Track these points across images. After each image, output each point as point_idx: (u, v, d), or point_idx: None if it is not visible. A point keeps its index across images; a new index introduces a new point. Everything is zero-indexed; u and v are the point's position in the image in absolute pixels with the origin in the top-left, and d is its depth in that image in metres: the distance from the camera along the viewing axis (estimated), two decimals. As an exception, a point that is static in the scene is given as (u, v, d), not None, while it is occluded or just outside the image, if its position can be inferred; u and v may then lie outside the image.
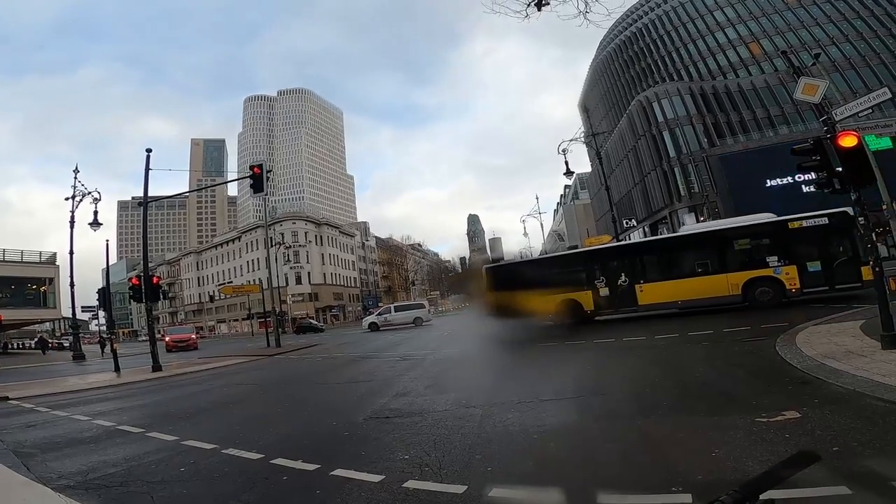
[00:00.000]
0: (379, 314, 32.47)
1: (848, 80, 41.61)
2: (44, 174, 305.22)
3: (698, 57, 53.32)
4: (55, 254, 37.59)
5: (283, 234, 62.88)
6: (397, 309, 32.25)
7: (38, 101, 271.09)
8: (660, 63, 57.05)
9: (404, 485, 3.29)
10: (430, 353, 12.38)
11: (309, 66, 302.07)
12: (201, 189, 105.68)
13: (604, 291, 14.89)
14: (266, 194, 17.18)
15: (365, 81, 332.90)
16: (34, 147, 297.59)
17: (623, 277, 14.76)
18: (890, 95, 6.86)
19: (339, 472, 3.66)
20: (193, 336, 29.36)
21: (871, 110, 6.88)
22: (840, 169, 5.98)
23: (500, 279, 16.45)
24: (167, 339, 29.30)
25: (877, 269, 5.89)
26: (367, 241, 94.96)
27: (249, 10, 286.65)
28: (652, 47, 58.25)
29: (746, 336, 8.42)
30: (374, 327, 29.94)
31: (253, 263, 69.33)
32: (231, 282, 63.76)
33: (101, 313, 31.65)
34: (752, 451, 3.22)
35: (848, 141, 5.87)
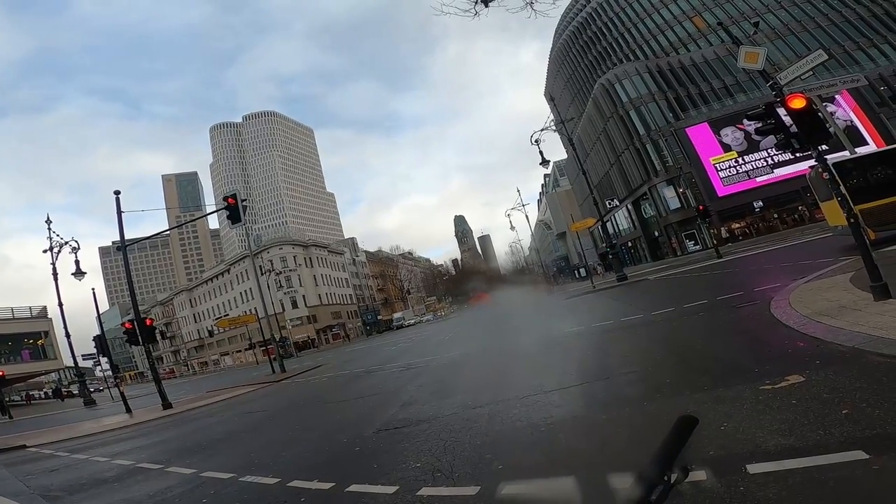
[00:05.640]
0: None
1: (791, 46, 42.85)
2: (37, 224, 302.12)
3: (649, 35, 54.11)
4: (45, 307, 37.32)
5: (271, 261, 62.55)
6: None
7: (23, 144, 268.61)
8: (614, 45, 57.80)
9: (419, 493, 3.31)
10: (432, 359, 12.38)
11: (290, 83, 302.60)
12: (178, 227, 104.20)
13: None
14: (245, 224, 17.07)
15: (346, 97, 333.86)
16: (27, 196, 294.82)
17: None
18: (826, 57, 7.23)
19: (354, 487, 3.68)
20: None
21: (811, 72, 7.23)
22: (795, 129, 6.16)
23: (866, 176, 11.99)
24: None
25: (851, 220, 6.01)
26: (357, 256, 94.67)
27: (223, 34, 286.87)
28: (605, 30, 59.12)
29: (741, 302, 8.52)
30: None
31: (246, 293, 68.79)
32: (227, 314, 63.12)
33: (104, 359, 31.26)
34: (760, 420, 3.19)
35: (797, 103, 6.09)
